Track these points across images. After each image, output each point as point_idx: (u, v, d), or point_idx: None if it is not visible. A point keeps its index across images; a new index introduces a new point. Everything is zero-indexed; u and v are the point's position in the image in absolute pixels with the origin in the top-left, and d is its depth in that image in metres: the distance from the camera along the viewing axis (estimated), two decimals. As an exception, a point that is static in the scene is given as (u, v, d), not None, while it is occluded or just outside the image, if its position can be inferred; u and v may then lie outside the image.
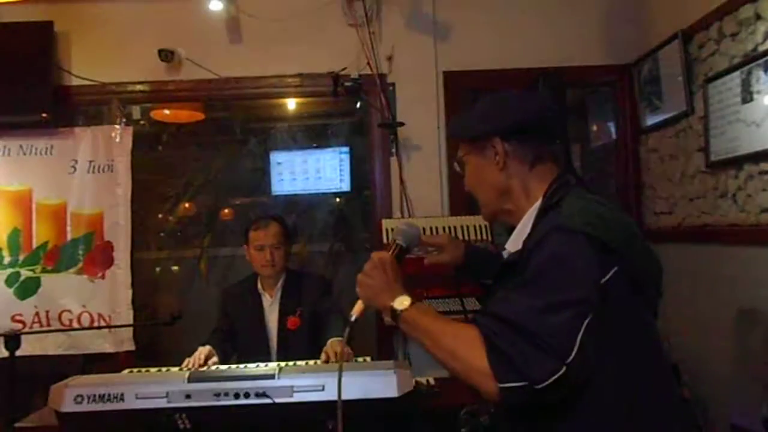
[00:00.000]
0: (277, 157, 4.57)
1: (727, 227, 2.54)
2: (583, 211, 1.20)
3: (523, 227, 1.32)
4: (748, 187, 2.40)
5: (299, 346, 2.61)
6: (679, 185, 2.93)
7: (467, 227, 3.06)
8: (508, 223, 1.43)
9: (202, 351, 2.42)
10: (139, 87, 3.33)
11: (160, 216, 4.91)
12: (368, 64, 3.22)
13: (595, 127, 4.04)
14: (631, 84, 3.31)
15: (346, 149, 4.49)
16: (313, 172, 4.58)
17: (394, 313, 1.27)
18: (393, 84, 3.30)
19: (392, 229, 2.95)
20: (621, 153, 3.43)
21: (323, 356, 2.40)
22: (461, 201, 3.26)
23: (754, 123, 2.30)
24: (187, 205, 4.94)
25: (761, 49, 2.27)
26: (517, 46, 3.33)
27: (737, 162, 2.44)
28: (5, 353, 2.45)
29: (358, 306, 1.37)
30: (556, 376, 1.07)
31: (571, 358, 1.07)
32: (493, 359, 1.10)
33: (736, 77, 2.40)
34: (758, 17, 2.30)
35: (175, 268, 4.86)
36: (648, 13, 3.19)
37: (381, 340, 3.25)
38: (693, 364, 2.80)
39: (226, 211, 4.99)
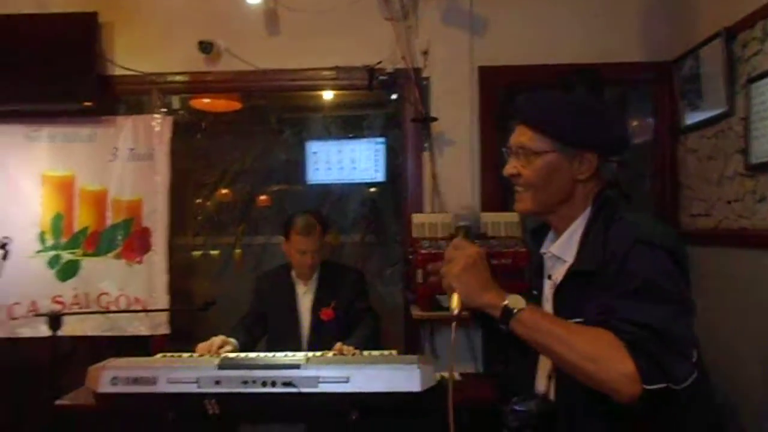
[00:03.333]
0: (313, 147, 4.62)
1: (764, 232, 2.48)
2: (654, 225, 1.32)
3: (573, 234, 1.41)
4: (789, 191, 2.34)
5: (331, 337, 2.65)
6: (717, 187, 2.87)
7: (498, 224, 3.06)
8: (549, 222, 1.49)
9: (216, 340, 2.49)
10: (178, 77, 3.41)
11: (198, 202, 5.02)
12: (403, 58, 3.23)
13: (633, 125, 3.97)
14: (670, 82, 3.23)
15: (381, 140, 4.50)
16: (348, 162, 4.61)
17: (507, 312, 1.26)
18: (428, 78, 3.31)
19: (425, 239, 2.99)
20: (658, 152, 3.38)
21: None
22: (493, 197, 3.26)
23: (796, 126, 2.24)
24: (225, 191, 5.04)
25: (807, 50, 2.21)
26: (554, 42, 3.29)
27: (778, 165, 2.38)
28: (47, 332, 2.58)
29: (457, 300, 1.33)
30: (691, 378, 1.18)
31: (695, 360, 1.21)
32: (641, 362, 1.14)
33: (779, 78, 2.34)
34: (805, 17, 2.23)
35: (215, 252, 4.97)
36: (690, 9, 3.11)
37: (408, 332, 3.27)
38: (726, 369, 2.75)
39: (263, 197, 5.07)
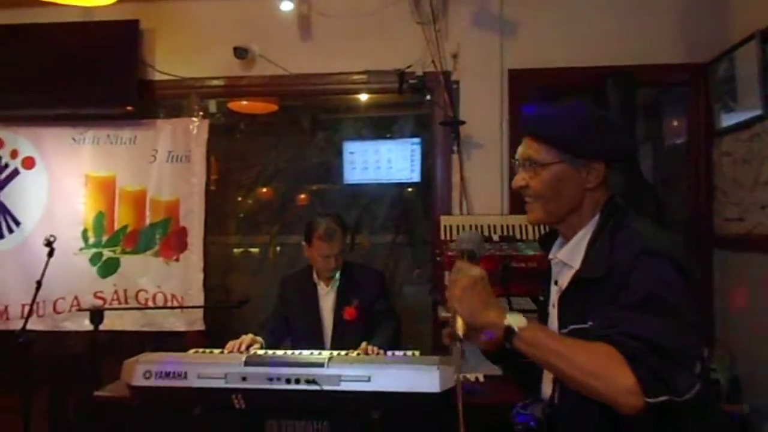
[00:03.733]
0: (350, 147, 4.69)
1: (798, 238, 2.43)
2: (661, 236, 1.32)
3: (580, 241, 1.43)
4: (823, 197, 2.28)
5: (355, 336, 2.69)
6: (751, 191, 2.81)
7: (525, 227, 3.06)
8: (559, 231, 1.51)
9: (245, 339, 2.56)
10: (215, 82, 3.51)
11: (239, 200, 5.15)
12: (432, 61, 3.26)
13: (668, 126, 3.91)
14: (705, 84, 3.18)
15: (417, 140, 4.54)
16: (385, 162, 4.66)
17: (509, 331, 1.27)
18: (457, 82, 3.33)
19: (453, 240, 2.99)
20: (693, 155, 3.32)
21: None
22: (521, 200, 3.25)
23: (830, 131, 2.19)
24: (264, 190, 5.15)
25: (842, 52, 2.16)
26: (586, 44, 3.27)
27: (812, 171, 2.33)
28: (89, 327, 2.70)
29: (461, 323, 1.33)
30: (694, 390, 1.18)
31: (698, 372, 1.21)
32: (641, 376, 1.15)
33: (814, 82, 2.29)
34: (841, 19, 2.18)
35: (254, 250, 5.09)
36: (726, 11, 3.06)
37: (436, 333, 3.30)
38: (757, 376, 2.70)
39: (302, 196, 5.16)
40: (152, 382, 2.04)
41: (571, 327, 1.36)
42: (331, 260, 2.80)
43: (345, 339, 2.74)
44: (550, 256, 1.55)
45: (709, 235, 3.21)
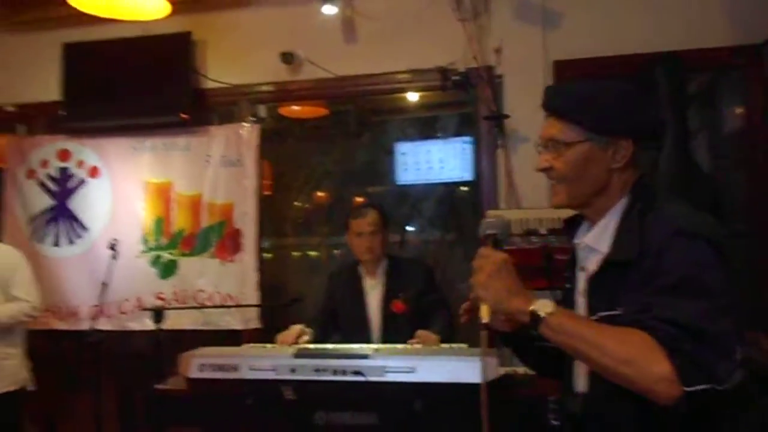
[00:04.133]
0: (401, 148, 4.74)
1: None
2: (694, 216, 1.26)
3: (608, 224, 1.37)
4: None
5: (404, 330, 2.69)
6: (812, 176, 2.69)
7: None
8: (585, 215, 1.45)
9: (294, 329, 2.63)
10: (264, 88, 3.63)
11: (293, 202, 5.28)
12: (475, 57, 3.26)
13: (725, 112, 3.77)
14: (761, 66, 3.07)
15: (469, 139, 4.54)
16: (436, 162, 4.68)
17: (535, 316, 1.24)
18: (501, 76, 3.32)
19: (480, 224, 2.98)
20: (750, 140, 3.21)
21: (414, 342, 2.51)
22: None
23: None
24: (318, 193, 5.26)
25: None
26: (632, 31, 3.20)
27: None
28: (151, 326, 2.85)
29: (486, 310, 1.32)
30: (735, 378, 1.14)
31: (738, 358, 1.15)
32: (678, 363, 1.11)
33: None
34: None
35: (308, 250, 5.21)
36: (781, -12, 2.94)
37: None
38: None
39: (359, 199, 5.24)
40: (207, 374, 2.14)
41: (601, 314, 1.29)
42: (364, 239, 2.82)
43: (394, 332, 2.74)
44: (576, 240, 1.48)
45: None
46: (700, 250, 1.20)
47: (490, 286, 1.29)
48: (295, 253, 5.24)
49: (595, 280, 1.36)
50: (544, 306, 1.24)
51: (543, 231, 3.00)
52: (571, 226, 1.52)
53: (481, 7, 3.31)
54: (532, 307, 1.24)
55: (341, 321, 2.94)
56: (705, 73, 3.67)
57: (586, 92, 1.40)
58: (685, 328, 1.12)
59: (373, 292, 2.91)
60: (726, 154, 3.76)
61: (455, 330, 2.83)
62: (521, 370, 2.48)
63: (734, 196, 3.35)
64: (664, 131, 1.38)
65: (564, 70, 3.29)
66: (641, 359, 1.13)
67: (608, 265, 1.32)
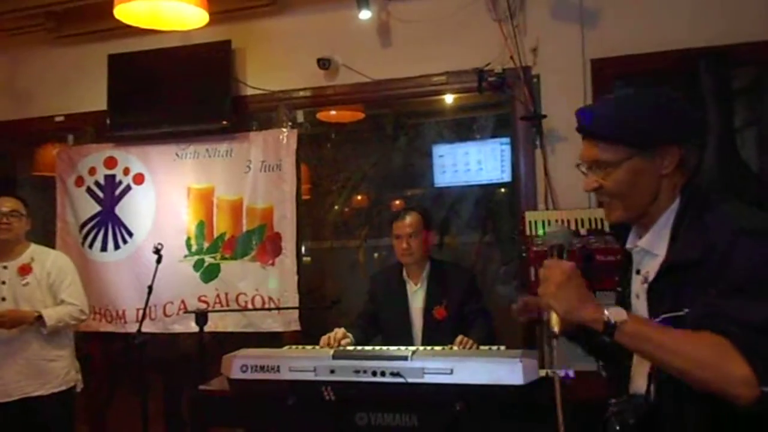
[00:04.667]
0: (439, 150, 4.74)
1: None
2: (753, 214, 1.28)
3: (662, 227, 1.38)
4: None
5: (445, 336, 2.69)
6: None
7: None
8: (638, 223, 1.45)
9: (337, 332, 2.64)
10: (301, 93, 3.68)
11: (332, 206, 5.34)
12: (511, 57, 3.25)
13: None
14: (810, 59, 2.97)
15: (506, 140, 4.51)
16: (474, 163, 4.67)
17: (609, 325, 1.26)
18: (537, 76, 3.30)
19: (538, 236, 2.98)
20: (799, 136, 3.10)
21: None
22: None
23: None
24: (359, 197, 5.31)
25: None
26: (673, 26, 3.13)
27: None
28: (195, 328, 2.92)
29: (556, 319, 1.35)
30: None
31: None
32: (756, 364, 1.13)
33: None
34: None
35: (348, 253, 5.26)
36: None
37: (524, 330, 3.27)
38: None
39: (397, 202, 5.27)
40: (249, 375, 2.18)
41: (664, 316, 1.30)
42: (403, 240, 2.83)
43: (435, 338, 2.74)
44: (629, 245, 1.49)
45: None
46: (765, 249, 1.22)
47: (560, 296, 1.31)
48: (334, 256, 5.29)
49: (656, 283, 1.36)
50: (616, 314, 1.26)
51: (583, 231, 2.96)
52: (619, 233, 1.54)
53: (517, 6, 3.30)
54: (605, 316, 1.26)
55: (383, 324, 2.95)
56: (751, 67, 3.58)
57: (619, 111, 1.40)
58: (759, 330, 1.15)
59: (416, 296, 2.91)
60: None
61: (494, 338, 2.83)
62: (561, 372, 2.46)
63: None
64: (707, 129, 1.38)
65: (602, 68, 3.25)
66: (719, 362, 1.15)
67: (671, 267, 1.32)
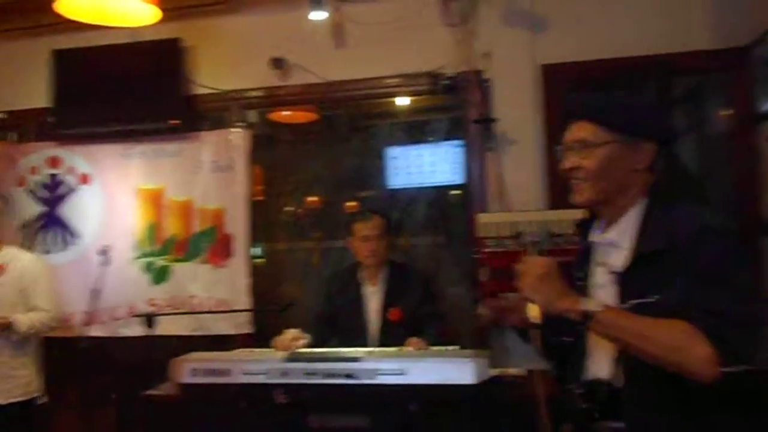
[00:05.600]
0: (392, 152, 4.76)
1: None
2: (713, 214, 1.41)
3: (629, 221, 1.49)
4: None
5: (400, 337, 2.71)
6: (796, 176, 2.73)
7: (564, 222, 3.04)
8: (602, 213, 1.56)
9: (290, 333, 2.63)
10: (254, 93, 3.64)
11: (285, 207, 5.29)
12: (464, 61, 3.29)
13: (710, 115, 3.81)
14: (746, 68, 3.11)
15: (459, 142, 4.56)
16: (428, 165, 4.71)
17: (586, 314, 1.36)
18: (489, 80, 3.35)
19: (490, 238, 3.04)
20: (736, 141, 3.24)
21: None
22: (559, 195, 3.24)
23: None
24: (313, 198, 5.27)
25: None
26: (619, 35, 3.23)
27: None
28: (144, 332, 2.85)
29: (536, 310, 1.45)
30: (764, 355, 1.30)
31: (762, 338, 1.31)
32: (717, 347, 1.25)
33: None
34: None
35: (301, 255, 5.21)
36: (763, -9, 2.99)
37: (476, 330, 3.31)
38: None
39: (351, 204, 5.25)
40: (199, 379, 2.14)
41: (634, 302, 1.40)
42: (369, 243, 2.83)
43: (391, 339, 2.75)
44: (593, 239, 1.59)
45: (756, 224, 3.13)
46: (728, 245, 1.35)
47: (540, 289, 1.41)
48: (287, 258, 5.24)
49: (627, 272, 1.45)
50: (592, 304, 1.37)
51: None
52: (583, 226, 1.64)
53: (469, 12, 3.34)
54: (583, 306, 1.36)
55: (339, 326, 2.93)
56: (691, 76, 3.73)
57: (616, 98, 1.58)
58: (722, 315, 1.27)
59: (373, 298, 2.91)
60: (712, 155, 3.81)
61: (447, 343, 2.85)
62: (512, 371, 2.51)
63: (720, 198, 3.39)
64: (676, 141, 1.56)
65: (552, 74, 3.32)
66: (686, 346, 1.27)
67: (639, 257, 1.43)
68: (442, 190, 4.88)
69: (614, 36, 3.24)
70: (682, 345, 1.27)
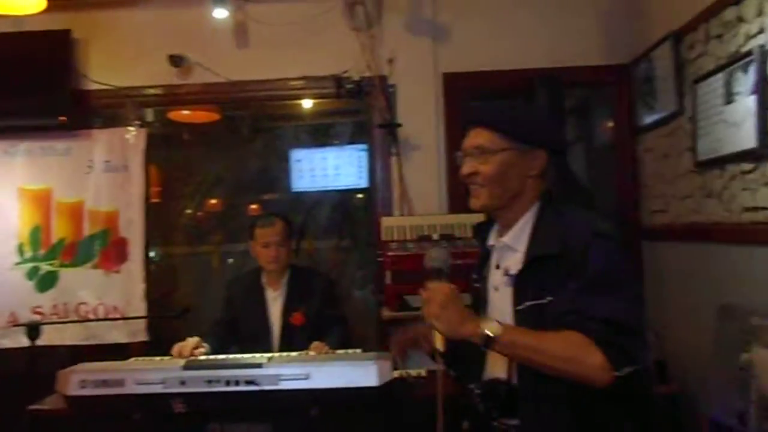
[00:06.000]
0: (296, 155, 4.72)
1: (713, 226, 2.59)
2: (602, 220, 1.48)
3: (524, 225, 1.56)
4: (732, 186, 2.44)
5: (303, 342, 2.68)
6: (671, 184, 2.97)
7: (464, 225, 3.14)
8: (498, 218, 1.62)
9: (190, 341, 2.54)
10: (151, 91, 3.50)
11: (184, 210, 5.11)
12: (369, 66, 3.33)
13: (597, 126, 4.08)
14: (628, 84, 3.35)
15: (363, 146, 4.60)
16: (332, 168, 4.71)
17: (487, 339, 1.39)
18: (394, 85, 3.41)
19: (394, 241, 3.11)
20: (619, 152, 3.48)
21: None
22: (460, 199, 3.35)
23: (735, 124, 2.35)
24: (210, 200, 5.12)
25: (742, 50, 2.31)
26: (516, 48, 3.39)
27: (721, 162, 2.48)
28: (26, 342, 2.64)
29: (440, 339, 1.46)
30: (649, 356, 1.36)
31: (648, 339, 1.38)
32: (608, 354, 1.31)
33: (719, 78, 2.45)
34: (740, 20, 2.34)
35: (201, 259, 5.05)
36: (645, 13, 3.23)
37: (380, 333, 3.36)
38: (680, 359, 2.86)
39: (254, 207, 5.15)
40: (89, 391, 2.02)
41: (528, 303, 1.47)
42: (272, 249, 2.78)
43: (293, 344, 2.71)
44: (490, 242, 1.66)
45: (637, 228, 3.37)
46: (614, 250, 1.43)
47: (443, 317, 1.43)
48: (185, 263, 5.07)
49: (521, 274, 1.51)
50: (494, 328, 1.40)
51: (435, 237, 3.11)
52: (481, 231, 1.71)
53: (374, 17, 3.38)
54: (484, 331, 1.40)
55: (241, 332, 2.86)
56: (580, 88, 3.97)
57: (512, 107, 1.67)
58: (610, 322, 1.34)
59: (275, 303, 2.86)
60: (600, 164, 4.07)
61: (350, 344, 2.85)
62: (414, 372, 2.56)
63: (606, 204, 3.63)
64: (568, 146, 1.66)
65: (453, 82, 3.43)
66: (579, 355, 1.34)
67: (533, 260, 1.49)
68: (346, 194, 4.90)
69: (511, 48, 3.39)
70: (576, 355, 1.34)
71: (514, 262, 1.54)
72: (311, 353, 2.52)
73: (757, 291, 2.29)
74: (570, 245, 1.43)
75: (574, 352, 1.34)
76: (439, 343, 1.46)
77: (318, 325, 2.81)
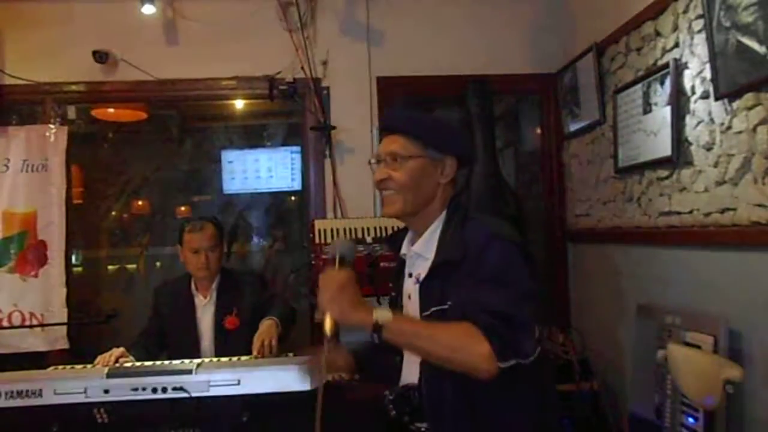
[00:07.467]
0: (228, 156, 4.62)
1: (633, 229, 2.71)
2: (502, 225, 1.53)
3: (432, 233, 1.59)
4: (649, 192, 2.57)
5: (239, 345, 2.55)
6: (594, 189, 3.10)
7: (396, 227, 3.17)
8: (411, 225, 1.65)
9: (115, 352, 2.43)
10: (74, 87, 3.35)
11: (108, 211, 4.92)
12: (302, 68, 3.31)
13: (526, 132, 4.21)
14: (555, 92, 3.47)
15: (297, 148, 4.55)
16: (265, 170, 4.63)
17: (377, 325, 1.39)
18: (327, 88, 3.40)
19: (327, 244, 3.05)
20: (546, 158, 3.60)
21: (256, 340, 2.40)
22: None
23: (652, 132, 2.47)
24: (136, 201, 4.95)
25: (659, 63, 2.44)
26: (447, 54, 3.45)
27: (640, 168, 2.61)
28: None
29: (330, 322, 1.44)
30: (536, 352, 1.40)
31: (537, 336, 1.43)
32: (494, 344, 1.33)
33: (638, 89, 2.57)
34: (657, 33, 2.47)
35: (125, 263, 4.88)
36: (570, 25, 3.36)
37: (314, 335, 3.34)
38: (603, 356, 2.98)
39: (183, 208, 5.01)
40: (3, 403, 1.92)
41: (433, 309, 1.50)
42: (202, 255, 2.67)
43: (228, 350, 2.58)
44: (403, 251, 1.69)
45: (562, 231, 3.50)
46: (509, 251, 1.47)
47: (335, 302, 1.43)
48: (110, 267, 4.88)
49: (426, 281, 1.55)
50: (383, 315, 1.40)
51: (368, 239, 3.11)
52: (394, 241, 1.74)
53: (308, 19, 3.37)
54: (374, 318, 1.40)
55: (169, 341, 2.74)
56: (509, 96, 4.08)
57: (424, 116, 1.68)
58: (497, 315, 1.36)
59: (206, 310, 2.74)
60: (527, 169, 4.20)
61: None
62: (346, 375, 2.56)
63: (534, 208, 3.74)
64: (476, 157, 1.71)
65: (385, 85, 3.45)
66: (466, 344, 1.36)
67: (437, 266, 1.52)
68: (279, 196, 4.85)
69: (443, 55, 3.45)
70: (463, 344, 1.35)
71: (424, 269, 1.57)
72: (254, 351, 2.42)
73: (672, 291, 2.42)
74: (470, 250, 1.47)
75: (462, 342, 1.36)
76: (328, 328, 1.45)
77: (254, 320, 2.71)
